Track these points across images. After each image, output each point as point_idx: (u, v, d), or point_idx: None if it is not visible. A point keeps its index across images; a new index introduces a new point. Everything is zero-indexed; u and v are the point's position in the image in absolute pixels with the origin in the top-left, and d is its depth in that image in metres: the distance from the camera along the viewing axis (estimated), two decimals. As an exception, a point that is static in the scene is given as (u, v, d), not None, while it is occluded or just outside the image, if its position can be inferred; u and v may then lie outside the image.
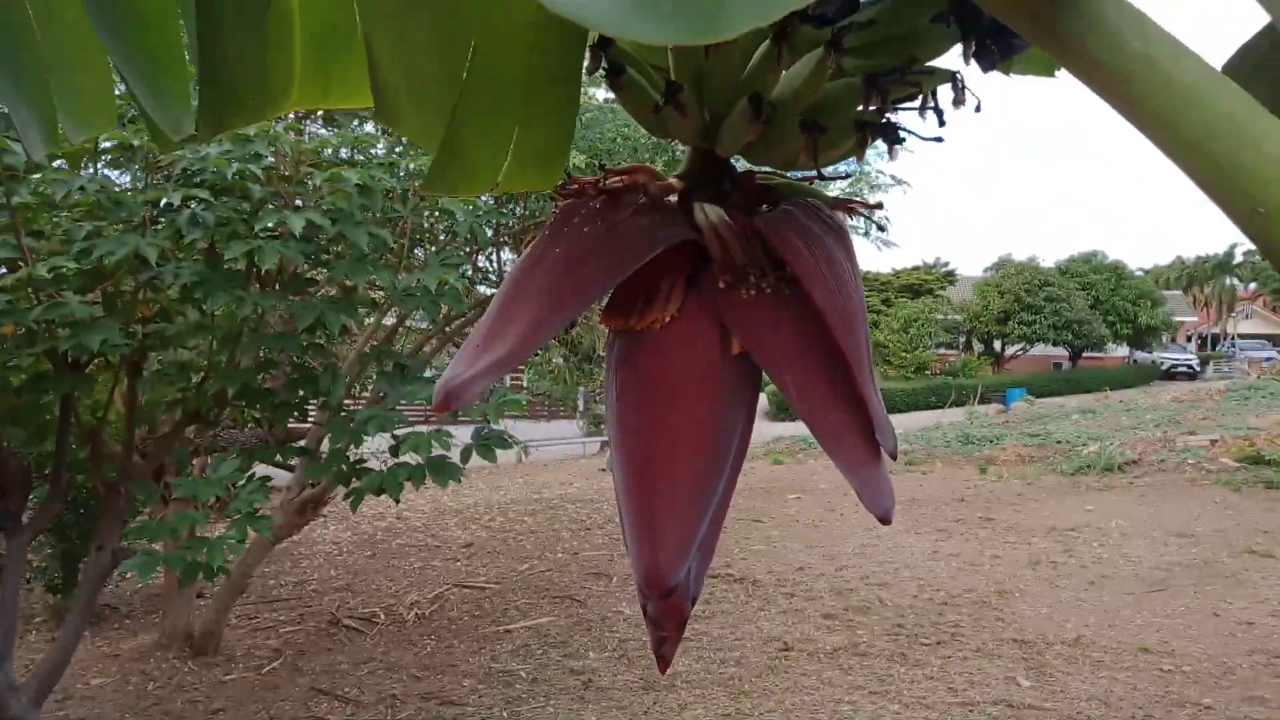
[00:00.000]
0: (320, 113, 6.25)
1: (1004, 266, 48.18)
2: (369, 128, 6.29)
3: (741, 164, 0.99)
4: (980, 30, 0.88)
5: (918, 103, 0.95)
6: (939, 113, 0.94)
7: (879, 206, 0.96)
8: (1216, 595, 8.14)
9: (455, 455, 5.37)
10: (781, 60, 0.83)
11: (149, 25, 1.06)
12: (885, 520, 0.81)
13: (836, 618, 7.83)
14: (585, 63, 0.86)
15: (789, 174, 1.01)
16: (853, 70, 0.89)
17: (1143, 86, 0.66)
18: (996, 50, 0.89)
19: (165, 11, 1.07)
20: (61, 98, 1.07)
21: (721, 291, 0.85)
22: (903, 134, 0.91)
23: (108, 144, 5.21)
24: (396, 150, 6.20)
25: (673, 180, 0.92)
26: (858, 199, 0.96)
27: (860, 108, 0.88)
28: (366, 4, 0.96)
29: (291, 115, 6.35)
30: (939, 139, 0.90)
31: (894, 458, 0.86)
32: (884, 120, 0.87)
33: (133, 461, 5.34)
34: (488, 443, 5.38)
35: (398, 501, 5.19)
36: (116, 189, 4.94)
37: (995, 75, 0.95)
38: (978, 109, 1.00)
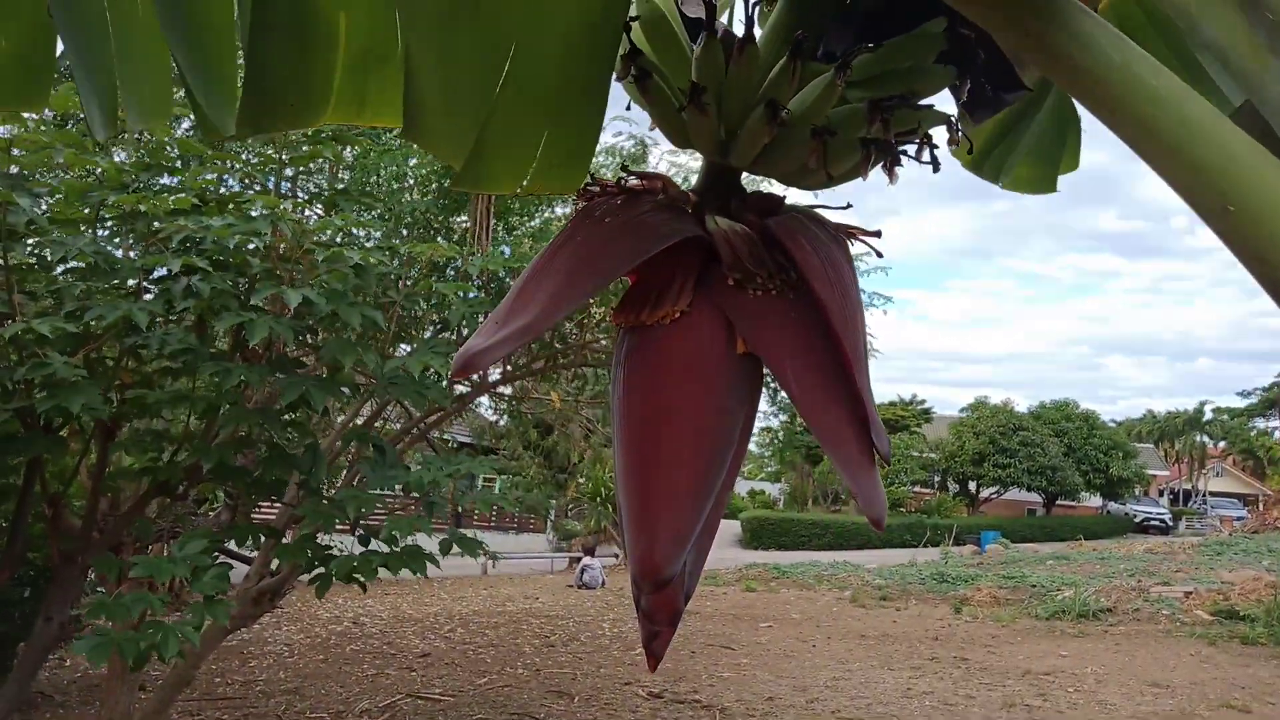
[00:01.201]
0: (323, 192, 6.40)
1: (979, 408, 48.76)
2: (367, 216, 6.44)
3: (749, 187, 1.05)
4: (975, 71, 0.95)
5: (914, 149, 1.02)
6: (933, 150, 1.02)
7: (878, 234, 1.01)
8: (1194, 748, 7.93)
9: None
10: (796, 76, 0.90)
11: (210, 26, 1.13)
12: (878, 524, 0.83)
13: (805, 750, 7.54)
14: (615, 70, 0.93)
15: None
16: (856, 100, 0.97)
17: (1122, 91, 0.73)
18: (990, 90, 0.97)
19: (225, 15, 1.15)
20: (126, 88, 1.14)
21: (729, 290, 0.89)
22: (902, 159, 0.98)
23: (109, 214, 5.31)
24: (395, 241, 6.34)
25: (688, 192, 0.98)
26: (857, 226, 1.02)
27: (864, 132, 0.95)
28: (411, 14, 1.03)
29: (298, 195, 6.49)
30: (935, 164, 0.97)
31: (887, 462, 0.89)
32: (886, 141, 0.94)
33: (92, 534, 5.20)
34: (465, 539, 5.29)
35: (364, 590, 5.03)
36: (115, 255, 5.00)
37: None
38: (970, 151, 1.07)
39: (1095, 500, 50.16)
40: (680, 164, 11.06)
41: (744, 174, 1.02)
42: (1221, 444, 66.58)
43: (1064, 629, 14.43)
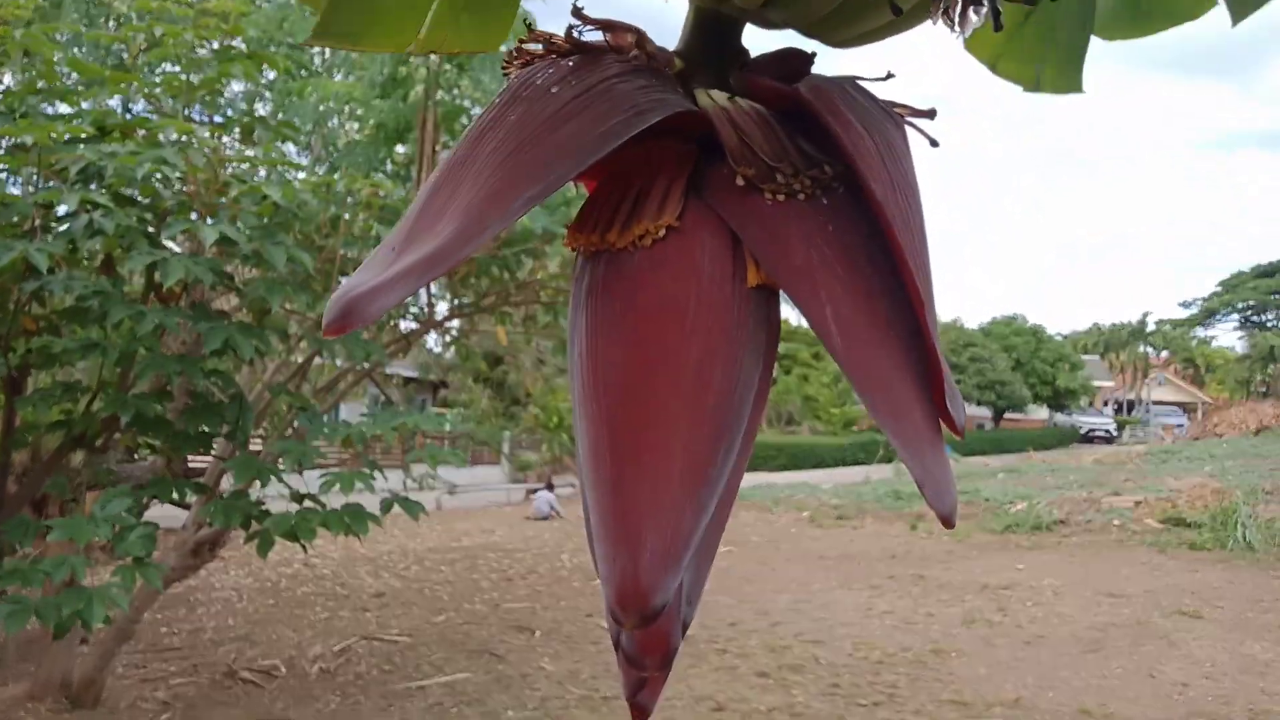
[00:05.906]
0: (238, 127, 5.82)
1: (931, 327, 49.42)
2: (290, 148, 5.93)
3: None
4: None
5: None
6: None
7: (931, 115, 0.70)
8: (1151, 656, 8.07)
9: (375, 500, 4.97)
10: None
11: None
12: (948, 522, 0.58)
13: (770, 676, 7.51)
14: None
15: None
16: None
17: None
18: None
19: None
20: None
21: (737, 194, 0.60)
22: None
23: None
24: (333, 177, 5.84)
25: (672, 54, 0.66)
26: (905, 104, 0.70)
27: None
28: None
29: (212, 119, 5.94)
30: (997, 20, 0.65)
31: (960, 435, 0.63)
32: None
33: (7, 490, 4.80)
34: (406, 501, 5.00)
35: (305, 549, 4.74)
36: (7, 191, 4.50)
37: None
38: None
39: (1042, 412, 51.48)
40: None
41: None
42: (1164, 354, 68.48)
43: (1018, 542, 14.71)
